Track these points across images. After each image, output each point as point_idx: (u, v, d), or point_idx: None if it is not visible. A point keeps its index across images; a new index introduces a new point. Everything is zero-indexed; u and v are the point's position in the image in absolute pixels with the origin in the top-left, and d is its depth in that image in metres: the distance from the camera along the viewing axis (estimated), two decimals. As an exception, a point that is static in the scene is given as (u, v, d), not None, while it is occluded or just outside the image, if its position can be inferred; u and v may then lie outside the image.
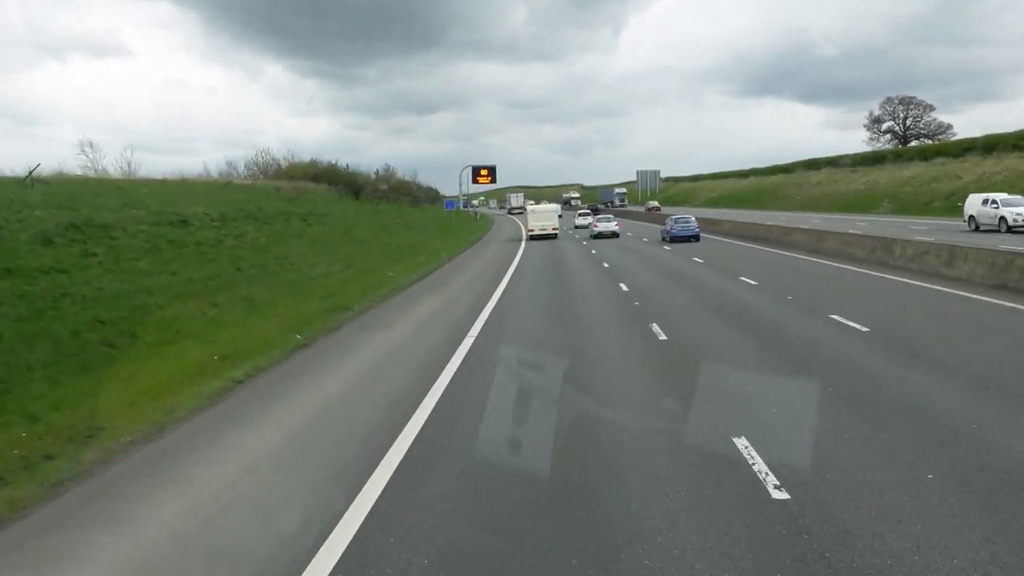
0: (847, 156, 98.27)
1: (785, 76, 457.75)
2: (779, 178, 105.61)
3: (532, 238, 47.45)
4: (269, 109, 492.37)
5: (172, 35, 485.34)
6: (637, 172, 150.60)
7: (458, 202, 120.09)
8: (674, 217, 44.10)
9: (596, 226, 49.82)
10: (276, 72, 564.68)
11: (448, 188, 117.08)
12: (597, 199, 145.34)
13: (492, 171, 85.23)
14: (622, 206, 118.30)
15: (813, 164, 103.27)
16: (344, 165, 55.51)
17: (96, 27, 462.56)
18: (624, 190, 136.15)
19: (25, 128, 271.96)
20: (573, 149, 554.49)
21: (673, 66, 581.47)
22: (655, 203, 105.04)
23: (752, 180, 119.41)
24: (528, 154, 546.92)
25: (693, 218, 43.58)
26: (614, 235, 47.49)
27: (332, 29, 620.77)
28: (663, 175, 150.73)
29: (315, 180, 48.69)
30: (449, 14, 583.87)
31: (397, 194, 67.08)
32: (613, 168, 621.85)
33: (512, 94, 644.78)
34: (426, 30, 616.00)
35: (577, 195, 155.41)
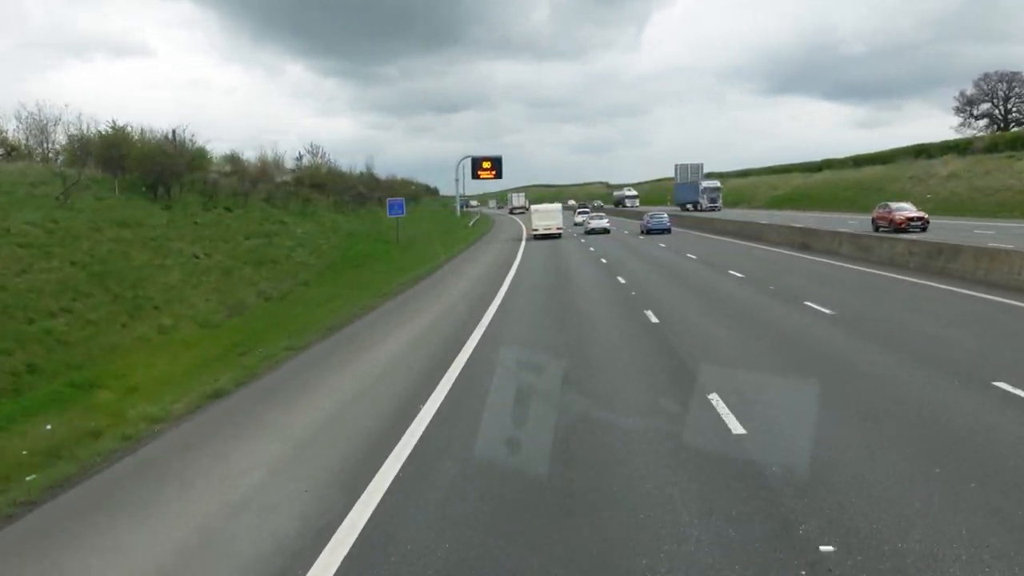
0: (980, 138, 71.92)
1: (817, 72, 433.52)
2: (877, 171, 78.73)
3: (536, 237, 47.10)
4: (290, 109, 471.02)
5: (193, 34, 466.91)
6: (675, 166, 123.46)
7: (453, 202, 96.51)
8: (650, 214, 53.63)
9: (589, 223, 53.68)
10: (297, 71, 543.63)
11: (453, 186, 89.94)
12: (668, 198, 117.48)
13: (496, 164, 62.84)
14: (713, 207, 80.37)
15: (923, 151, 76.64)
16: (169, 134, 29.70)
17: (117, 27, 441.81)
18: (718, 183, 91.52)
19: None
20: (595, 148, 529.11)
21: (696, 64, 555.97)
22: (909, 207, 37.81)
23: (828, 174, 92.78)
24: (549, 153, 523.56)
25: (666, 215, 52.22)
26: (605, 231, 51.32)
27: (352, 27, 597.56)
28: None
29: (79, 162, 23.05)
30: (469, 12, 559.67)
31: (323, 192, 41.05)
32: (635, 167, 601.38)
33: (533, 93, 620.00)
34: (446, 28, 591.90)
35: (635, 193, 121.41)
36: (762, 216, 56.26)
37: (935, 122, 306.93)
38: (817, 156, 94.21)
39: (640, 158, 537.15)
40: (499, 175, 63.74)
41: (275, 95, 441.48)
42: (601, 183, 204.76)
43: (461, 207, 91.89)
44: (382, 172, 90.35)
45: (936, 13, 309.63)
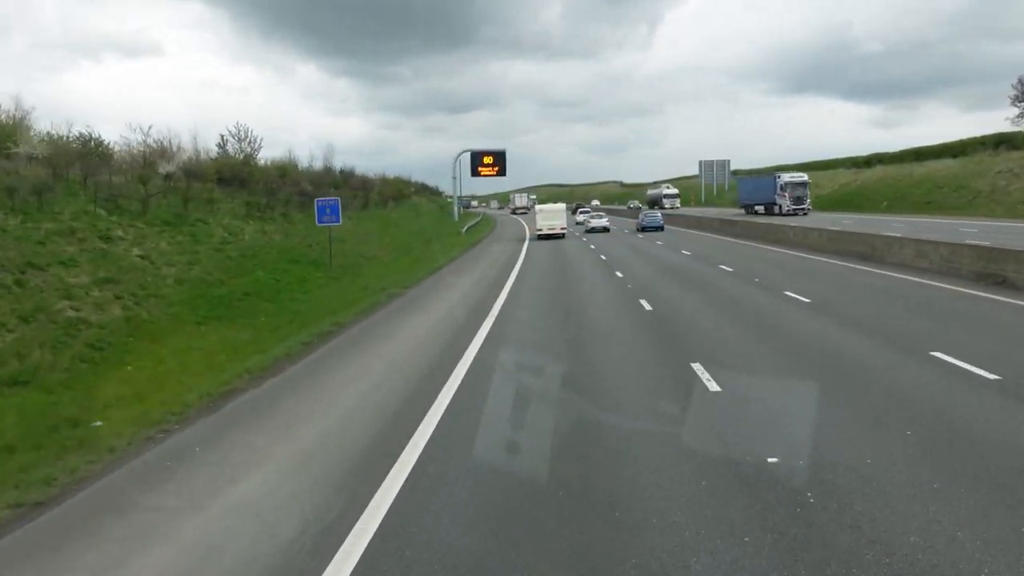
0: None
1: (832, 72, 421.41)
2: (949, 165, 66.12)
3: (540, 237, 47.45)
4: (302, 109, 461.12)
5: (204, 34, 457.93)
6: (700, 163, 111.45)
7: (453, 201, 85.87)
8: (644, 212, 61.30)
9: (589, 222, 57.03)
10: (308, 71, 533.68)
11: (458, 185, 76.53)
12: (692, 198, 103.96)
13: (499, 159, 53.70)
14: (799, 209, 59.23)
15: (1004, 140, 64.13)
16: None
17: (128, 27, 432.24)
18: (805, 176, 64.43)
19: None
20: (607, 148, 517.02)
21: (710, 63, 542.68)
22: None
23: (883, 170, 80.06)
24: (561, 153, 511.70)
25: (659, 213, 57.47)
26: (605, 230, 54.05)
27: (363, 27, 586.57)
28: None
29: None
30: (481, 11, 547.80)
31: (244, 189, 28.87)
32: (647, 167, 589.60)
33: (544, 93, 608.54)
34: (458, 27, 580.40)
35: (675, 191, 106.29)
36: (846, 221, 42.75)
37: (950, 121, 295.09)
38: (829, 155, 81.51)
39: (652, 158, 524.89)
40: (502, 172, 53.55)
41: (287, 95, 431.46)
42: (615, 182, 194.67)
43: (460, 208, 78.92)
44: (390, 172, 77.87)
45: (951, 12, 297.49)
